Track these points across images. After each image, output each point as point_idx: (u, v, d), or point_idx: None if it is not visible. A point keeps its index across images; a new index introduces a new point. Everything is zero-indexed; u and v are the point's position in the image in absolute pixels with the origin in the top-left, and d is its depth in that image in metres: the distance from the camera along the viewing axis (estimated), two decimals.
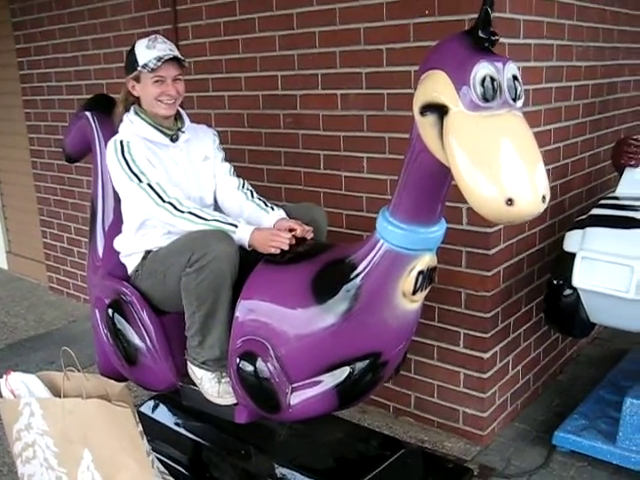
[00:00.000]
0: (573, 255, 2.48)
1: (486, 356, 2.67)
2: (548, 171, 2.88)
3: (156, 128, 2.42)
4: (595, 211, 2.63)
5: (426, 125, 1.61)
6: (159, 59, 2.32)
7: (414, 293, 1.92)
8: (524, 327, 2.94)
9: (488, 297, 2.62)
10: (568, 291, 2.54)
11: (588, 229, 2.51)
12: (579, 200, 3.24)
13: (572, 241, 2.55)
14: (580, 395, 2.94)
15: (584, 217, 2.65)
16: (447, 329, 2.75)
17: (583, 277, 2.44)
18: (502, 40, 2.42)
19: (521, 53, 2.59)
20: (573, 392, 3.09)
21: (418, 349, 2.82)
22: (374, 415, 3.01)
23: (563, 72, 2.92)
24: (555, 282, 2.63)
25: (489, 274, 2.60)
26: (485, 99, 1.51)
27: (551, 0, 2.74)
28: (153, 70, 2.34)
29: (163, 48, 2.36)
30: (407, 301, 1.95)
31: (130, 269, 2.52)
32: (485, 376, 2.69)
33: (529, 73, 2.66)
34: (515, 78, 1.57)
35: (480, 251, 2.59)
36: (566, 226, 2.81)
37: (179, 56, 2.38)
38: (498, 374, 2.77)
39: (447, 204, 2.32)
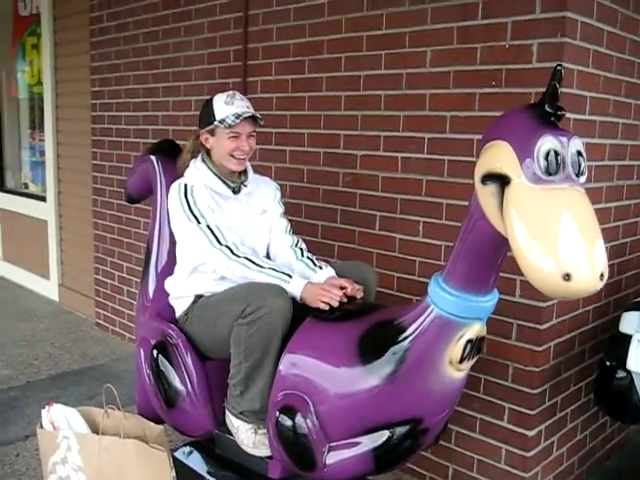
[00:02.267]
0: (629, 337, 2.42)
1: (531, 434, 2.59)
2: (606, 249, 2.84)
3: (220, 179, 2.47)
4: None
5: (486, 194, 1.61)
6: (237, 116, 2.38)
7: (461, 361, 1.89)
8: (572, 407, 2.84)
9: (536, 372, 2.56)
10: (622, 374, 2.47)
11: None
12: (636, 281, 3.17)
13: (629, 323, 2.49)
14: None
15: None
16: (492, 402, 2.68)
17: (639, 360, 2.37)
18: (567, 115, 2.44)
19: (585, 129, 2.58)
20: None
21: (460, 420, 2.76)
22: None
23: (627, 151, 2.90)
24: (608, 363, 2.56)
25: (539, 349, 2.54)
26: (548, 173, 1.51)
27: (618, 79, 2.74)
28: (230, 126, 2.39)
29: (241, 105, 2.42)
30: (453, 369, 1.91)
31: (179, 312, 2.54)
32: (528, 455, 2.60)
33: (592, 149, 2.64)
34: (579, 154, 1.57)
35: (531, 325, 2.54)
36: (621, 306, 2.74)
37: (256, 114, 2.44)
38: (542, 454, 2.68)
39: (501, 275, 2.32)
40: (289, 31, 3.32)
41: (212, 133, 2.46)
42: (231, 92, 2.49)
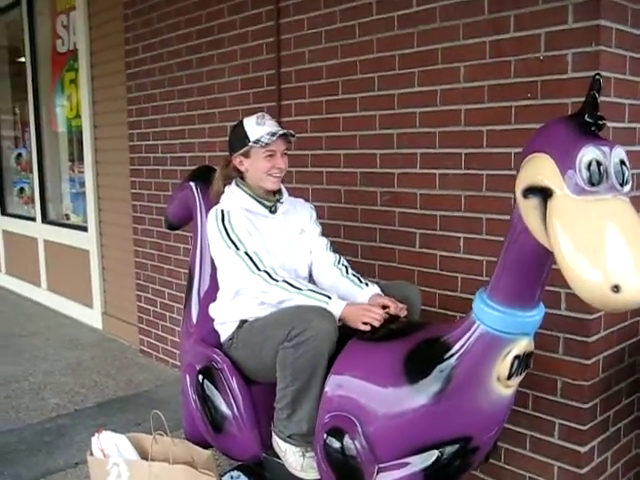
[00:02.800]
0: None
1: (583, 450, 2.53)
2: None
3: (256, 199, 2.50)
4: None
5: (529, 208, 1.60)
6: (273, 134, 2.42)
7: (509, 378, 1.87)
8: (625, 421, 2.78)
9: (586, 387, 2.51)
10: None
11: None
12: None
13: None
14: None
15: None
16: (541, 418, 2.63)
17: None
18: (606, 124, 2.42)
19: (626, 137, 2.55)
20: None
21: (509, 437, 2.71)
22: None
23: None
24: None
25: (588, 362, 2.49)
26: (591, 183, 1.49)
27: None
28: (267, 144, 2.43)
29: (272, 124, 2.48)
30: (501, 386, 1.89)
31: (223, 337, 2.56)
32: (582, 471, 2.54)
33: (633, 157, 2.59)
34: (622, 163, 1.55)
35: (579, 338, 2.49)
36: None
37: (289, 131, 2.48)
38: (596, 470, 2.61)
39: (546, 288, 2.29)
40: (321, 53, 3.35)
41: (247, 155, 2.50)
42: (260, 114, 2.54)
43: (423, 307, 2.69)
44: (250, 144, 2.45)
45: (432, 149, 2.88)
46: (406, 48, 2.94)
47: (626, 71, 2.51)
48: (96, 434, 2.28)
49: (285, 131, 2.46)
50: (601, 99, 2.37)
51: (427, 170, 2.92)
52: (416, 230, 2.99)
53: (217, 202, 2.57)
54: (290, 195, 2.68)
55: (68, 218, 6.56)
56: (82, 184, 6.01)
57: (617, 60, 2.46)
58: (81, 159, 5.90)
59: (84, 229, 5.92)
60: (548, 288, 2.28)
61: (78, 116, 5.88)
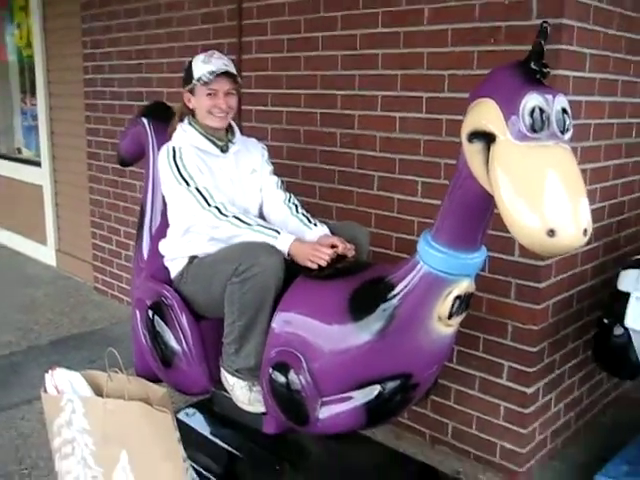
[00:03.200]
0: (627, 295, 2.43)
1: (529, 391, 2.62)
2: (604, 208, 2.85)
3: (207, 138, 2.48)
4: None
5: (473, 152, 1.62)
6: (212, 73, 2.39)
7: (450, 317, 1.92)
8: (569, 364, 2.88)
9: (535, 331, 2.58)
10: (619, 331, 2.49)
11: None
12: (634, 239, 3.18)
13: (627, 280, 2.49)
14: (623, 439, 2.85)
15: None
16: (491, 360, 2.70)
17: (636, 318, 2.39)
18: (566, 73, 2.43)
19: (586, 87, 2.56)
20: (616, 435, 3.00)
21: (459, 378, 2.79)
22: (410, 442, 2.97)
23: (626, 108, 2.88)
24: (606, 321, 2.57)
25: (538, 307, 2.56)
26: (533, 130, 1.51)
27: (618, 36, 2.71)
28: (206, 83, 2.40)
29: (218, 63, 2.43)
30: (442, 325, 1.94)
31: (173, 273, 2.56)
32: (526, 411, 2.64)
33: (592, 107, 2.63)
34: (564, 111, 1.57)
35: (530, 284, 2.55)
36: (619, 264, 2.75)
37: (232, 71, 2.44)
38: (540, 410, 2.72)
39: (499, 234, 2.33)
40: None
41: (192, 92, 2.48)
42: (210, 52, 2.50)
43: (379, 249, 2.72)
44: (193, 82, 2.43)
45: (393, 92, 2.86)
46: None
47: (589, 20, 2.50)
48: (50, 371, 2.26)
49: (224, 70, 2.41)
50: (563, 48, 2.39)
51: (387, 113, 2.90)
52: (374, 173, 2.99)
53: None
54: (243, 134, 2.65)
55: (20, 152, 6.38)
56: (35, 117, 5.83)
57: (581, 8, 2.45)
58: (34, 91, 5.71)
59: (37, 164, 5.77)
60: (502, 234, 2.33)
61: (29, 45, 5.67)
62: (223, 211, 2.31)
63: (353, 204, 3.10)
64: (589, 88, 2.60)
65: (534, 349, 2.59)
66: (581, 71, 2.52)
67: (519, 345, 2.61)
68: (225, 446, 2.63)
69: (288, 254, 2.24)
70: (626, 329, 2.45)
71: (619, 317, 2.45)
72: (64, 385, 2.23)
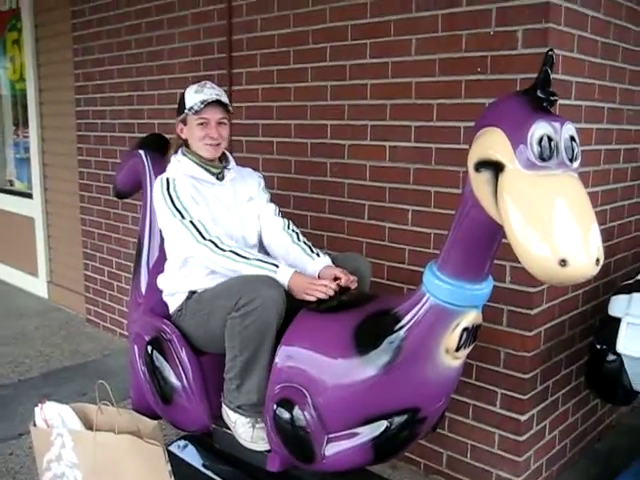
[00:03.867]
0: (618, 320, 2.44)
1: (523, 418, 2.61)
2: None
3: (202, 167, 2.48)
4: None
5: (480, 181, 1.60)
6: (203, 102, 2.41)
7: (457, 350, 1.89)
8: (563, 391, 2.87)
9: (528, 357, 2.58)
10: (612, 357, 2.49)
11: (635, 294, 2.47)
12: (624, 264, 3.19)
13: (618, 306, 2.50)
14: (618, 466, 2.84)
15: (631, 282, 2.60)
16: (484, 388, 2.69)
17: (628, 343, 2.39)
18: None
19: (572, 114, 2.59)
20: (611, 462, 2.99)
21: (453, 406, 2.77)
22: (404, 471, 2.95)
23: (613, 135, 2.91)
24: (598, 347, 2.57)
25: (530, 334, 2.56)
26: (542, 158, 1.50)
27: (603, 64, 2.75)
28: (197, 112, 2.42)
29: (209, 92, 2.44)
30: (450, 357, 1.91)
31: (172, 308, 2.53)
32: (521, 439, 2.62)
33: (579, 134, 2.65)
34: (572, 139, 1.56)
35: (522, 310, 2.55)
36: (610, 290, 2.76)
37: (223, 100, 2.45)
38: (534, 438, 2.70)
39: None
40: (273, 21, 3.30)
41: (185, 122, 2.49)
42: (203, 82, 2.52)
43: (372, 278, 2.71)
44: (186, 111, 2.44)
45: (382, 121, 2.89)
46: (359, 19, 2.93)
47: (574, 49, 2.54)
48: (39, 404, 2.24)
49: (215, 99, 2.42)
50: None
51: (377, 142, 2.92)
52: (365, 202, 3.00)
53: None
54: (238, 164, 2.66)
55: (12, 184, 6.38)
56: (27, 149, 5.84)
57: (565, 38, 2.49)
58: (26, 124, 5.72)
59: (29, 196, 5.76)
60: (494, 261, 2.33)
61: (22, 79, 5.69)
62: (219, 245, 2.29)
63: (344, 233, 3.10)
64: (576, 115, 2.63)
65: (527, 376, 2.58)
66: (567, 99, 2.55)
67: (512, 372, 2.61)
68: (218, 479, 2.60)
69: (288, 288, 2.23)
70: (618, 355, 2.45)
71: (611, 343, 2.45)
72: (54, 418, 2.21)
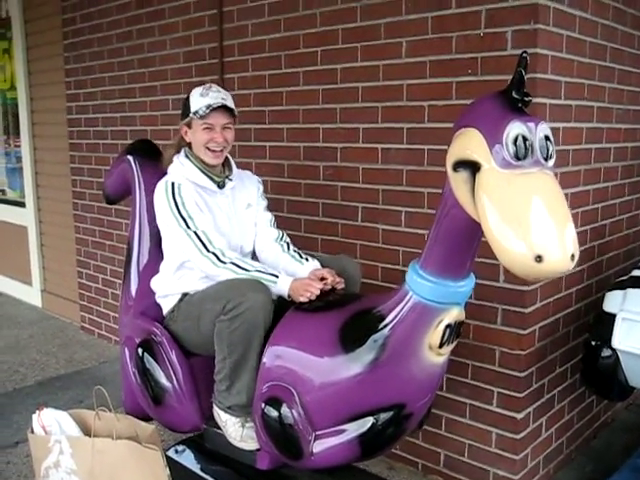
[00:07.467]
0: (613, 316, 2.46)
1: (519, 416, 2.62)
2: (586, 232, 2.89)
3: (205, 174, 2.48)
4: (636, 272, 2.60)
5: (458, 181, 1.65)
6: (208, 107, 2.40)
7: (441, 346, 1.93)
8: (558, 388, 2.88)
9: (523, 356, 2.59)
10: (607, 352, 2.51)
11: (629, 290, 2.49)
12: (617, 262, 3.22)
13: (612, 302, 2.52)
14: (614, 462, 2.85)
15: (625, 278, 2.63)
16: (480, 387, 2.71)
17: (623, 338, 2.41)
18: (543, 100, 2.48)
19: (562, 114, 2.61)
20: (607, 458, 3.00)
21: (450, 406, 2.79)
22: (402, 472, 2.95)
23: (603, 134, 2.94)
24: (593, 343, 2.59)
25: (524, 332, 2.57)
26: (517, 158, 1.54)
27: (592, 63, 2.78)
28: (202, 117, 2.41)
29: (215, 96, 2.43)
30: (433, 354, 1.95)
31: (165, 310, 2.56)
32: (518, 437, 2.63)
33: (569, 134, 2.68)
34: (547, 138, 1.61)
35: (516, 309, 2.57)
36: (603, 287, 2.78)
37: (229, 105, 2.44)
38: (531, 436, 2.71)
39: (485, 261, 2.35)
40: (264, 26, 3.32)
41: (189, 126, 2.49)
42: (208, 85, 2.52)
43: (366, 280, 2.72)
44: (190, 115, 2.44)
45: (374, 124, 2.90)
46: (349, 22, 2.94)
47: (563, 49, 2.56)
48: (37, 411, 2.24)
49: (221, 104, 2.42)
50: (539, 76, 2.45)
51: (369, 145, 2.93)
52: (359, 204, 3.01)
53: (165, 170, 2.53)
54: (238, 167, 2.67)
55: (4, 194, 6.36)
56: (19, 159, 5.83)
57: (554, 38, 2.51)
58: (17, 133, 5.72)
59: (21, 205, 5.76)
60: (487, 261, 2.35)
61: (13, 88, 5.69)
62: (221, 258, 2.31)
63: (338, 236, 3.11)
64: (566, 115, 2.66)
65: (522, 374, 2.60)
66: (557, 98, 2.58)
67: (507, 371, 2.62)
68: None
69: (288, 295, 2.26)
70: (613, 350, 2.47)
71: (606, 339, 2.47)
72: (52, 425, 2.21)
